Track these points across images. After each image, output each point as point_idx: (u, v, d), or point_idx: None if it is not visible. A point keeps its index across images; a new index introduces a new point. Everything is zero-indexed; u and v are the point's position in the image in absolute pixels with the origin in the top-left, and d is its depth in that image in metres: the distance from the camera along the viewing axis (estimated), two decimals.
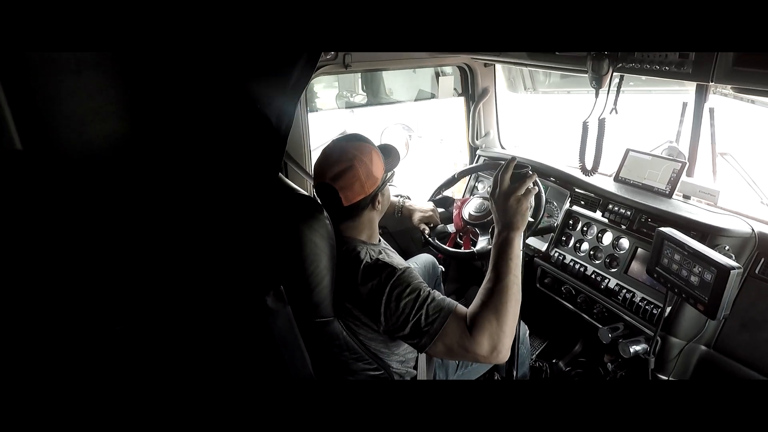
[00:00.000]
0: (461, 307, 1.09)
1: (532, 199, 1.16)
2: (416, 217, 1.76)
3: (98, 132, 0.79)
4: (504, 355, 1.04)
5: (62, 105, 0.75)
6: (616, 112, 1.46)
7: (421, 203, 1.81)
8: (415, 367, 1.31)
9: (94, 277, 0.83)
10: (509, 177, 1.15)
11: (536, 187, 1.14)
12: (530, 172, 1.16)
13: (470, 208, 1.78)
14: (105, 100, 0.78)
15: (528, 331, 1.77)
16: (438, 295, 1.10)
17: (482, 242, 1.68)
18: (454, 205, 1.83)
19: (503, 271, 1.08)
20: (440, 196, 1.95)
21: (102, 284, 0.84)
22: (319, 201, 1.20)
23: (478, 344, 1.02)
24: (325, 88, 3.05)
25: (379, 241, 1.33)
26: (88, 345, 0.83)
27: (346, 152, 1.18)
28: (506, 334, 1.04)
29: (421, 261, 1.95)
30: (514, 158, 1.17)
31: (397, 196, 1.82)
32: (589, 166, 1.61)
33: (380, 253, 1.18)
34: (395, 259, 1.21)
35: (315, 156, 1.96)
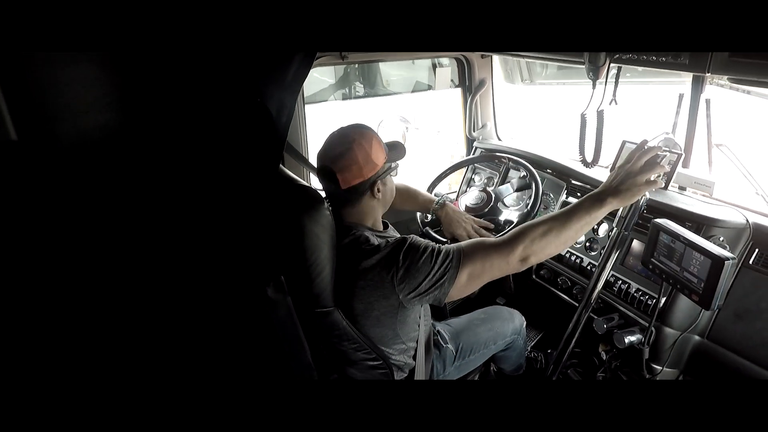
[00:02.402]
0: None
1: (646, 194, 1.18)
2: (458, 229, 1.61)
3: (95, 123, 0.79)
4: (523, 268, 1.14)
5: (58, 96, 0.75)
6: (616, 103, 1.47)
7: (460, 212, 1.66)
8: (414, 358, 1.32)
9: (92, 269, 0.83)
10: (645, 161, 1.14)
11: (661, 182, 1.16)
12: (666, 167, 1.18)
13: (467, 200, 1.78)
14: (102, 91, 0.78)
15: (525, 323, 1.78)
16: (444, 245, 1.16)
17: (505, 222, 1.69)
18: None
19: (578, 215, 1.12)
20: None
21: (100, 275, 0.84)
22: (319, 186, 1.22)
23: (513, 249, 1.10)
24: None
25: (387, 226, 1.34)
26: (87, 337, 0.83)
27: (347, 136, 1.20)
28: (537, 254, 1.12)
29: None
30: (659, 146, 1.19)
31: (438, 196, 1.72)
32: (589, 158, 1.61)
33: (388, 237, 1.21)
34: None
35: (312, 147, 1.97)
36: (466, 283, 1.12)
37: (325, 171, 1.21)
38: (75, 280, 0.82)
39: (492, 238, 1.16)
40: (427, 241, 1.16)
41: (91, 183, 0.81)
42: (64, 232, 0.80)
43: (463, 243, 1.15)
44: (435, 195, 1.80)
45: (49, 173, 0.78)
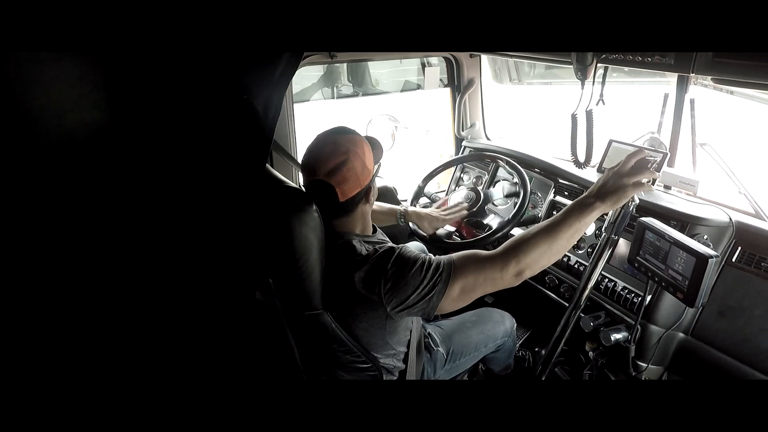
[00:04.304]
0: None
1: (635, 198, 1.18)
2: (428, 224, 1.72)
3: (79, 121, 0.78)
4: (518, 282, 1.11)
5: (42, 93, 0.73)
6: (603, 103, 1.48)
7: (426, 210, 1.77)
8: (405, 361, 1.31)
9: (76, 269, 0.82)
10: (635, 162, 1.12)
11: (649, 185, 1.13)
12: (656, 172, 1.17)
13: (456, 199, 1.79)
14: (86, 88, 0.76)
15: (515, 325, 1.79)
16: (435, 257, 1.13)
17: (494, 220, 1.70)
18: (439, 203, 1.83)
19: (567, 222, 1.09)
20: (422, 199, 1.97)
21: (84, 276, 0.82)
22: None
23: (506, 264, 1.07)
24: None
25: (375, 230, 1.32)
26: (72, 338, 0.82)
27: (340, 145, 1.15)
28: (530, 267, 1.09)
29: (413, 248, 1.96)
30: (642, 149, 1.17)
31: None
32: (581, 158, 1.62)
33: (376, 243, 1.18)
34: (389, 243, 1.22)
35: (300, 146, 1.96)
36: (458, 296, 1.09)
37: (319, 185, 1.14)
38: (57, 280, 0.81)
39: (485, 252, 1.12)
40: (417, 252, 1.13)
41: (75, 183, 0.79)
42: (48, 233, 0.79)
43: (454, 255, 1.12)
44: (400, 204, 1.85)
45: (33, 172, 0.77)
